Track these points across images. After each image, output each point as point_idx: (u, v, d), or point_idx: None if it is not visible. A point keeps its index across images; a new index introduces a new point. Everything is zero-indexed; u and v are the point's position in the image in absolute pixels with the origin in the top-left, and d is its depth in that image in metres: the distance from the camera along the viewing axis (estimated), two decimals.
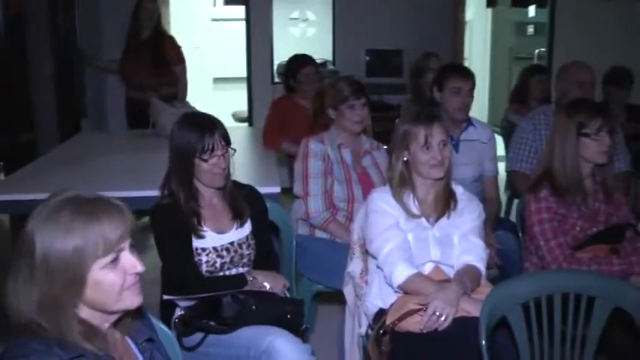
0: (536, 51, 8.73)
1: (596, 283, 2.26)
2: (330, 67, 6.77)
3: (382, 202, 2.59)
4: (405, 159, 2.58)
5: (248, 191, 2.73)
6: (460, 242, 2.55)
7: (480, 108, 9.60)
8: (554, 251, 2.72)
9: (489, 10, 9.99)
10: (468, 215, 2.60)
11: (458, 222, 2.58)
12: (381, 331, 2.40)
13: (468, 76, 3.62)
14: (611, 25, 7.11)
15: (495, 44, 10.05)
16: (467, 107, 3.60)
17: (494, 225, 3.45)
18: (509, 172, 3.95)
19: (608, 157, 2.79)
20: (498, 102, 8.99)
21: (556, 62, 6.74)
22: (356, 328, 2.73)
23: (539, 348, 2.22)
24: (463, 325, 2.25)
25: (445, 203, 2.59)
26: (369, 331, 2.55)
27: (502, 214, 4.12)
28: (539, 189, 2.79)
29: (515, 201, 3.78)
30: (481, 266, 2.52)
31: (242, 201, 2.66)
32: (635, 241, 2.81)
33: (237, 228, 2.63)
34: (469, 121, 3.68)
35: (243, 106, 7.38)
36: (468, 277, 2.44)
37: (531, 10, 9.31)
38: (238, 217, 2.64)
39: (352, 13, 6.91)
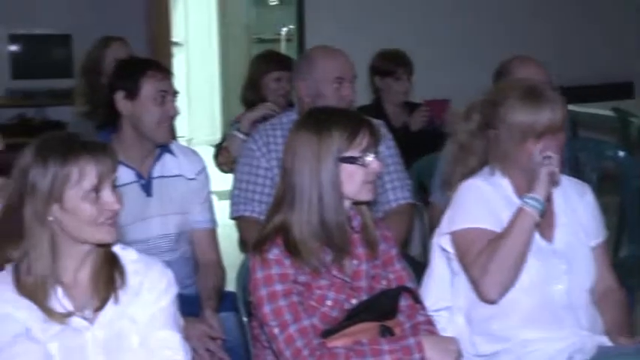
0: (283, 29, 8.95)
1: None
2: None
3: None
4: (51, 218, 2.37)
5: None
6: (143, 343, 2.48)
7: (209, 116, 9.65)
8: (294, 342, 2.62)
9: None
10: (147, 295, 2.51)
11: (134, 307, 2.49)
12: None
13: (166, 72, 3.49)
14: None
15: (224, 22, 10.15)
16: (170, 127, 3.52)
17: (216, 304, 3.38)
18: (236, 220, 3.87)
19: (375, 190, 2.77)
20: (234, 106, 9.03)
21: (310, 45, 6.89)
22: None
23: None
24: None
25: (107, 281, 2.47)
26: None
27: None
28: (267, 247, 2.69)
29: None
30: None
31: None
32: (413, 312, 2.82)
33: None
34: (164, 146, 3.51)
35: None
36: None
37: None
38: None
39: None
